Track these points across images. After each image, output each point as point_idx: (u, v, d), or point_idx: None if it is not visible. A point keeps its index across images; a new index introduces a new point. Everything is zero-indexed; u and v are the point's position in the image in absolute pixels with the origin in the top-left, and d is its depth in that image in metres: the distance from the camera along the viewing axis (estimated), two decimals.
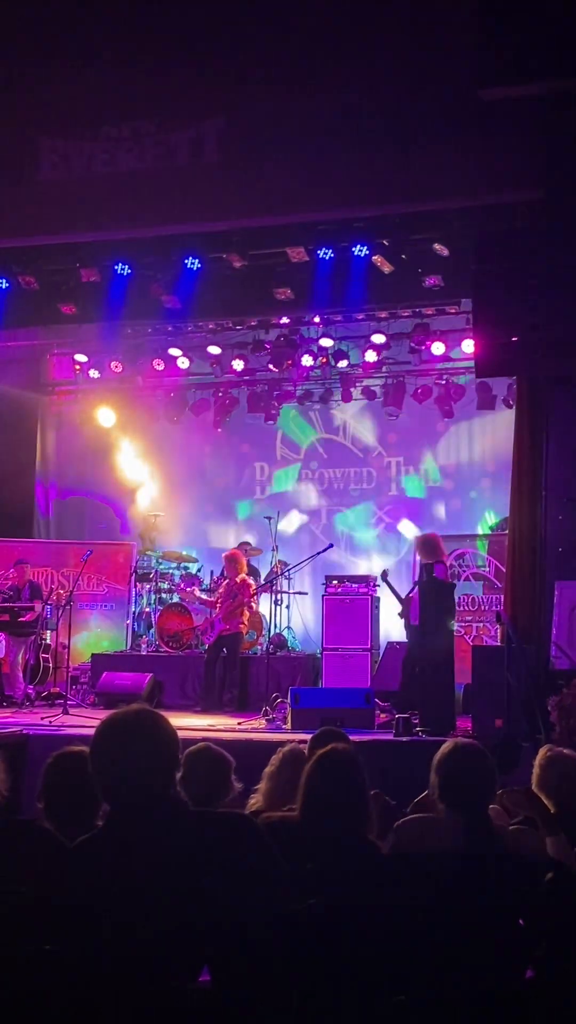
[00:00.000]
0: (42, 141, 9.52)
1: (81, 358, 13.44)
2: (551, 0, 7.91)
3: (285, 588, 11.89)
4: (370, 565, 12.71)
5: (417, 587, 9.32)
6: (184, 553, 12.87)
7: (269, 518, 12.39)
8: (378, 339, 12.21)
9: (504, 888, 2.75)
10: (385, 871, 2.73)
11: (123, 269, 10.40)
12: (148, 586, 12.49)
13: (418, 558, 9.79)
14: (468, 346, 11.17)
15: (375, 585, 11.23)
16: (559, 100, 8.17)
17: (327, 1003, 2.28)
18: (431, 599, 8.92)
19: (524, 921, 2.69)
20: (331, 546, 11.66)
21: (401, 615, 9.52)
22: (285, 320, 12.61)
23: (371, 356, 12.39)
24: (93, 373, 13.53)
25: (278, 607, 11.65)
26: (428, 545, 9.36)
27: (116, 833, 2.41)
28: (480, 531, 12.58)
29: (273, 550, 12.18)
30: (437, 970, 2.46)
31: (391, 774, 5.57)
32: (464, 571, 11.95)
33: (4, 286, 10.69)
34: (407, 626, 9.45)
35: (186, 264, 10.29)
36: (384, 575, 10.36)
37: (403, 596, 9.56)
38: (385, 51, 8.72)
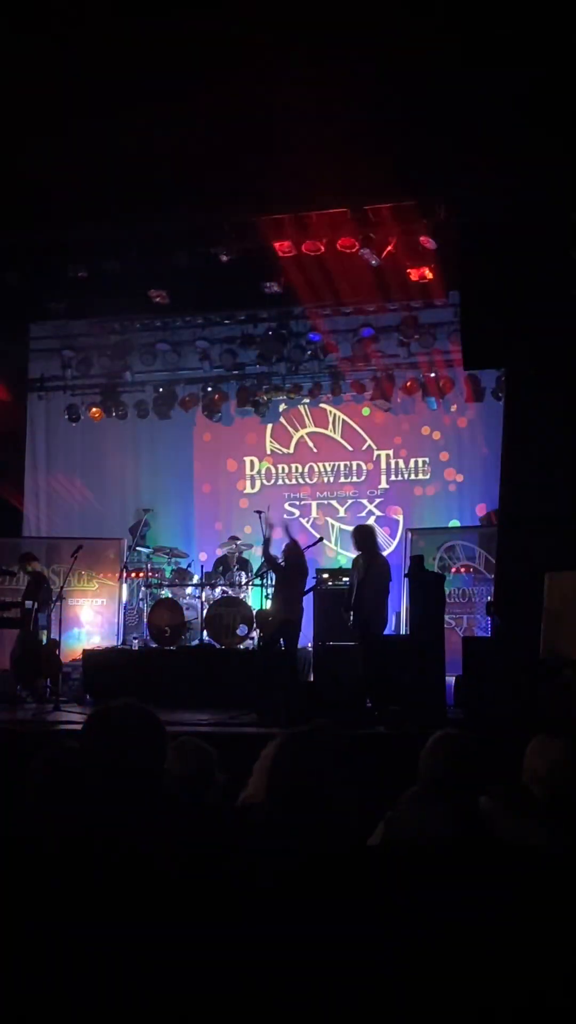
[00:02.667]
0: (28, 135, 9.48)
1: (69, 354, 13.44)
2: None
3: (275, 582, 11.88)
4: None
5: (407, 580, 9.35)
6: (174, 548, 12.86)
7: (259, 512, 12.39)
8: (367, 332, 12.24)
9: (494, 879, 2.76)
10: (369, 862, 2.74)
11: (112, 265, 10.39)
12: (139, 581, 12.49)
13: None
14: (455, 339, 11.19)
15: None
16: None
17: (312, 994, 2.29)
18: (380, 585, 9.10)
19: (515, 912, 2.70)
20: (321, 540, 11.67)
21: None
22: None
23: (359, 349, 12.41)
24: (81, 369, 13.51)
25: (269, 601, 11.64)
26: (362, 535, 9.46)
27: (106, 826, 2.42)
28: (470, 523, 12.62)
29: (264, 543, 12.17)
30: (423, 961, 2.47)
31: (382, 766, 5.58)
32: (454, 563, 11.98)
33: None
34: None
35: (174, 259, 10.28)
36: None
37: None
38: (376, 46, 8.71)
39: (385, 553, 12.98)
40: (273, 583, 11.41)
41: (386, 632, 10.78)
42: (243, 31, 8.24)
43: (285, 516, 13.51)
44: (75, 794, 2.66)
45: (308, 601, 10.67)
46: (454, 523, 12.87)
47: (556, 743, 3.93)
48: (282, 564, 9.95)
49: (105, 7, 7.60)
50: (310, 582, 10.37)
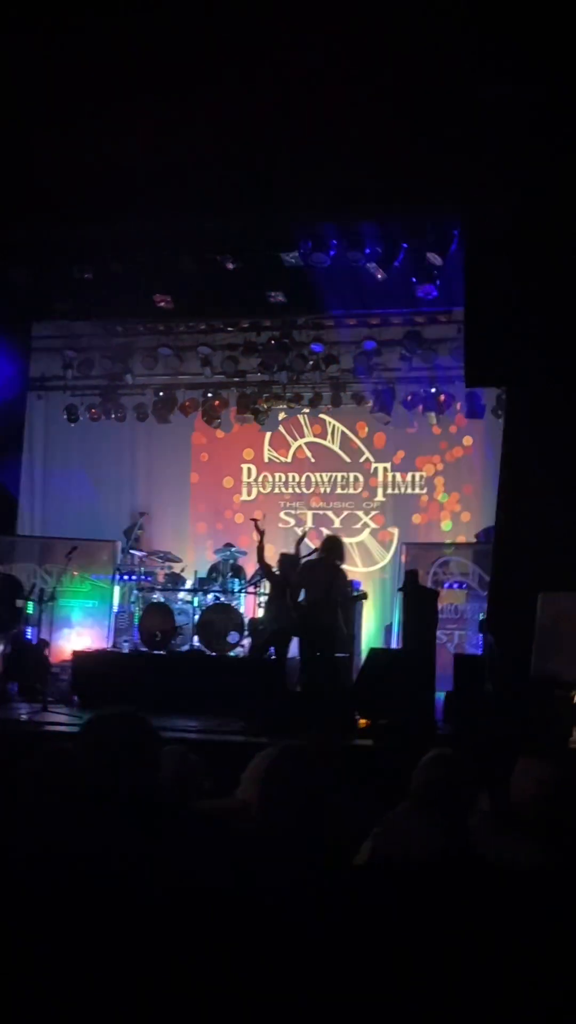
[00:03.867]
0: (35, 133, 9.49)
1: (71, 354, 13.44)
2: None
3: (269, 590, 11.87)
4: (355, 570, 12.72)
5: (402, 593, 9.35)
6: (168, 552, 12.84)
7: (255, 520, 12.38)
8: (369, 345, 12.26)
9: (480, 898, 2.75)
10: (355, 878, 2.73)
11: (117, 267, 10.41)
12: (131, 584, 12.47)
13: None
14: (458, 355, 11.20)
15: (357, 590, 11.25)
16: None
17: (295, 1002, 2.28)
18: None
19: (500, 932, 2.69)
20: (316, 551, 11.64)
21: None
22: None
23: (362, 361, 12.42)
24: (83, 370, 13.51)
25: (262, 609, 11.63)
26: (334, 545, 9.46)
27: (100, 831, 2.42)
28: (465, 539, 12.61)
29: (259, 552, 12.15)
30: (408, 978, 2.46)
31: (369, 780, 5.56)
32: (448, 579, 11.97)
33: None
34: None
35: (180, 264, 10.30)
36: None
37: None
38: (383, 58, 8.73)
39: (378, 567, 13.07)
40: (267, 591, 11.43)
41: (379, 646, 10.82)
42: (255, 36, 8.27)
43: (280, 525, 13.52)
44: (69, 798, 2.65)
45: None
46: (448, 539, 12.87)
47: (545, 764, 3.92)
48: (276, 573, 9.95)
49: (118, 7, 7.61)
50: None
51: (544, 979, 2.48)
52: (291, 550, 10.17)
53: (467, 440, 12.98)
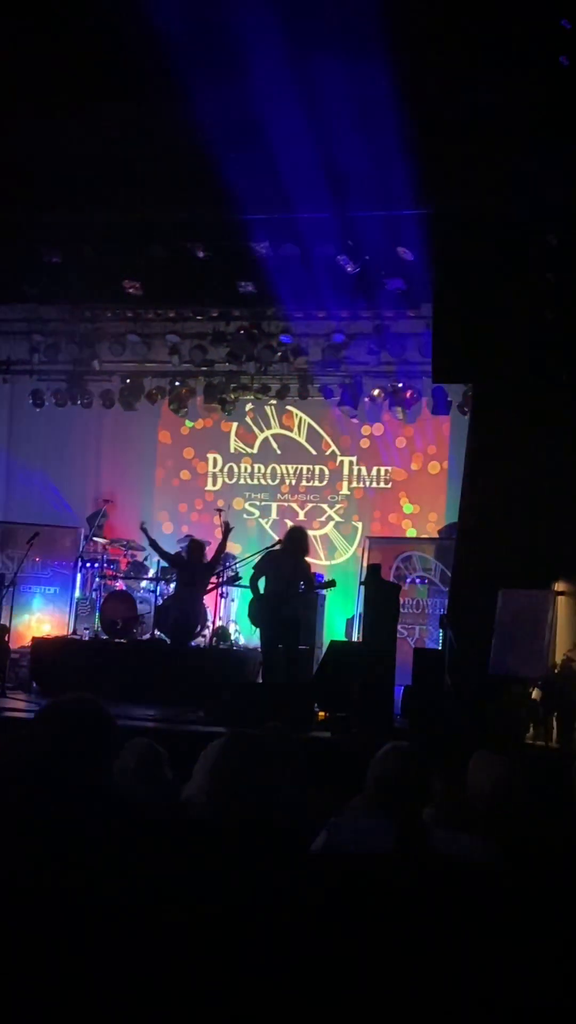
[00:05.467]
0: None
1: (38, 338, 13.35)
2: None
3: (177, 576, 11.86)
4: (319, 563, 12.75)
5: (364, 588, 9.38)
6: (131, 541, 12.79)
7: (220, 510, 12.36)
8: (338, 338, 12.26)
9: (432, 892, 2.77)
10: (309, 868, 2.75)
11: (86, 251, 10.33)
12: (93, 571, 12.43)
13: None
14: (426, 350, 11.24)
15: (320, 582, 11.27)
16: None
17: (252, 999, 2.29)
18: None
19: (450, 924, 2.71)
20: (279, 543, 11.65)
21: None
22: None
23: (330, 354, 12.43)
24: (49, 355, 13.41)
25: (224, 600, 11.62)
26: (299, 537, 9.49)
27: (48, 821, 2.41)
28: (428, 534, 12.67)
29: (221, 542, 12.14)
30: (359, 973, 2.47)
31: (326, 772, 5.58)
32: (410, 574, 12.02)
33: None
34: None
35: (150, 250, 10.24)
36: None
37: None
38: (362, 54, 8.72)
39: (342, 560, 13.10)
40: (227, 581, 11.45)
41: (340, 639, 10.84)
42: (230, 30, 8.24)
43: (245, 516, 13.52)
44: (23, 783, 2.64)
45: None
46: (412, 533, 12.93)
47: (499, 760, 3.96)
48: (184, 558, 10.17)
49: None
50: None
51: (491, 970, 2.51)
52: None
53: (433, 436, 13.03)
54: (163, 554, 11.06)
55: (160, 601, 11.50)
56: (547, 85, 7.77)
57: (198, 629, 10.87)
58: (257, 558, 9.65)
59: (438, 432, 12.96)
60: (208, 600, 11.44)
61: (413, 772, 3.31)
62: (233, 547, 12.07)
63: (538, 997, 2.63)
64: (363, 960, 2.37)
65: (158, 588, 11.70)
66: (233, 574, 11.58)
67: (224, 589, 11.60)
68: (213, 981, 2.16)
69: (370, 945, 2.41)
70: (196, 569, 10.64)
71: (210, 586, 10.91)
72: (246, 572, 11.92)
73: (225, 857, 2.42)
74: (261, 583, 9.30)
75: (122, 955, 2.12)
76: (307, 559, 9.76)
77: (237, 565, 11.66)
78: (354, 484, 13.44)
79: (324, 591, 11.16)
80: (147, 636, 11.38)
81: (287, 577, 9.20)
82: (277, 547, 9.75)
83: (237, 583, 11.54)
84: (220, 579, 11.49)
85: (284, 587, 9.19)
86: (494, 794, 3.78)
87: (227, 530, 10.64)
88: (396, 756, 3.34)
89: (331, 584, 10.11)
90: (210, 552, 10.97)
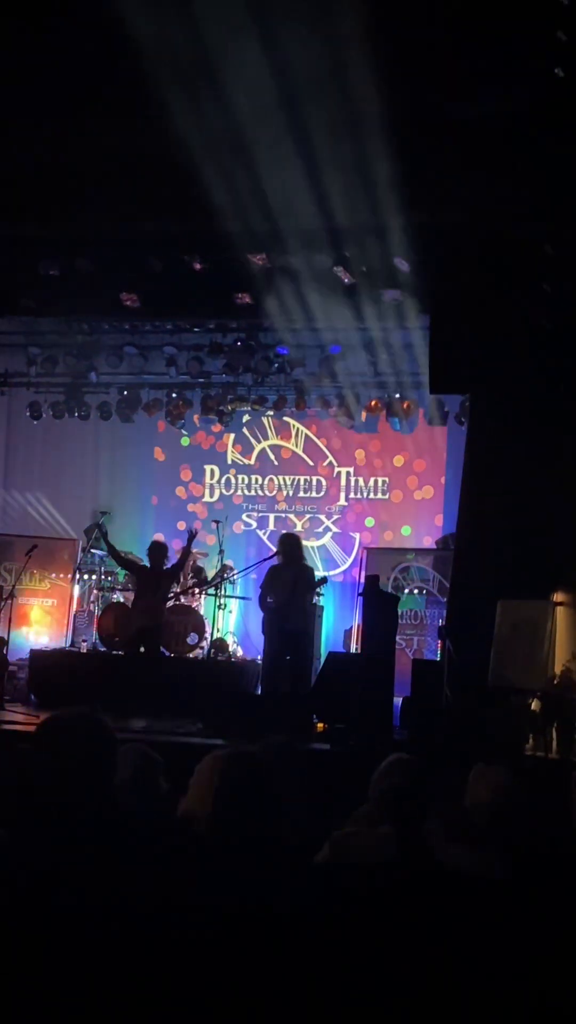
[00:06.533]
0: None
1: (35, 351, 13.36)
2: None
3: (230, 592, 11.86)
4: (316, 574, 12.73)
5: (362, 598, 9.36)
6: (129, 552, 12.77)
7: (217, 522, 12.35)
8: (334, 350, 12.28)
9: (434, 903, 2.77)
10: (312, 881, 2.74)
11: (83, 263, 10.35)
12: (91, 583, 12.42)
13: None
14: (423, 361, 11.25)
15: (318, 593, 11.27)
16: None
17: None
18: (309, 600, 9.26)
19: (454, 937, 2.71)
20: (276, 554, 11.64)
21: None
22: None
23: (327, 365, 12.45)
24: (47, 367, 13.42)
25: (222, 611, 11.61)
26: (293, 544, 9.47)
27: (50, 833, 2.40)
28: (426, 545, 12.67)
29: (219, 553, 12.15)
30: (362, 984, 2.46)
31: (326, 784, 5.57)
32: (408, 584, 12.02)
33: None
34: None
35: (147, 263, 10.26)
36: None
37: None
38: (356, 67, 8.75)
39: (339, 571, 13.09)
40: (225, 593, 11.43)
41: (337, 650, 10.82)
42: (224, 42, 8.26)
43: (243, 527, 13.52)
44: (23, 798, 2.63)
45: (260, 613, 10.67)
46: (409, 544, 12.92)
47: (499, 772, 3.94)
48: (146, 566, 10.30)
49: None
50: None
51: (492, 980, 2.50)
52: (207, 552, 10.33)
53: (430, 446, 13.03)
54: (118, 558, 10.86)
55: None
56: (544, 95, 7.78)
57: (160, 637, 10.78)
58: (263, 577, 9.65)
59: (435, 443, 12.97)
60: (207, 612, 11.43)
61: (416, 784, 3.31)
62: (198, 554, 12.07)
63: (538, 1007, 2.62)
64: (366, 971, 2.36)
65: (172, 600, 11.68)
66: (199, 580, 11.63)
67: (223, 601, 11.58)
68: (218, 994, 2.15)
69: (373, 956, 2.40)
70: (159, 574, 10.47)
71: (172, 593, 10.87)
72: (240, 584, 11.95)
73: (227, 871, 2.41)
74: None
75: (125, 971, 2.11)
76: (304, 563, 9.74)
77: (236, 576, 11.67)
78: (351, 495, 13.45)
79: (320, 589, 11.15)
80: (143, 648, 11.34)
81: (289, 588, 9.20)
82: (275, 560, 9.73)
83: (204, 589, 11.53)
84: (218, 590, 11.47)
85: (288, 598, 9.19)
86: (493, 806, 3.77)
87: (191, 536, 10.57)
88: (399, 768, 3.33)
89: (323, 582, 10.06)
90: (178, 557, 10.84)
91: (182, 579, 11.57)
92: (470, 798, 3.85)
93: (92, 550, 12.69)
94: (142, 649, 10.17)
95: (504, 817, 3.74)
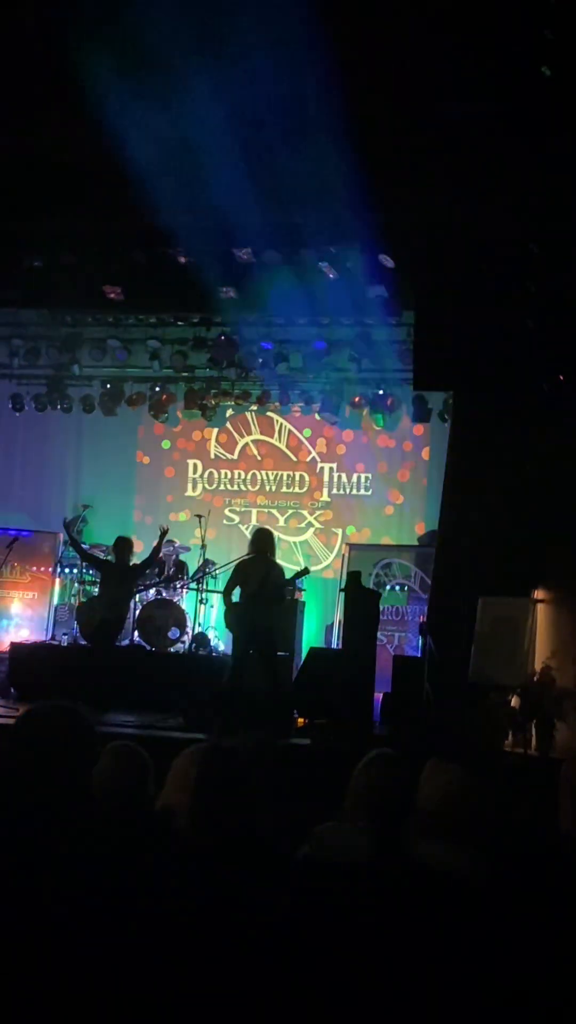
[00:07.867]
0: None
1: (18, 342, 13.29)
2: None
3: (211, 587, 11.84)
4: (298, 569, 12.73)
5: (344, 594, 9.37)
6: (111, 546, 12.74)
7: (200, 516, 12.33)
8: (319, 345, 12.27)
9: (411, 901, 2.77)
10: (291, 879, 2.73)
11: (68, 257, 10.31)
12: (72, 577, 12.38)
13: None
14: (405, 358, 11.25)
15: (300, 589, 11.28)
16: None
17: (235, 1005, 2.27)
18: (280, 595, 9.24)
19: (431, 935, 2.71)
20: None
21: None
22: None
23: (311, 361, 12.44)
24: (30, 359, 13.36)
25: (203, 606, 11.60)
26: (266, 538, 9.40)
27: (27, 828, 2.39)
28: (408, 541, 12.68)
29: (202, 548, 12.13)
30: (341, 981, 2.47)
31: (306, 780, 5.57)
32: (390, 580, 12.03)
33: None
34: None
35: (131, 256, 10.23)
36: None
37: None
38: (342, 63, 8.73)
39: (321, 567, 13.09)
40: (207, 587, 11.42)
41: (318, 646, 10.81)
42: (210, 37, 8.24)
43: (225, 522, 13.50)
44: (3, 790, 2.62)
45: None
46: (391, 540, 12.93)
47: (451, 768, 3.85)
48: (110, 560, 10.32)
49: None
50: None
51: (470, 978, 2.50)
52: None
53: (413, 443, 13.05)
54: (83, 554, 10.90)
55: (140, 608, 11.44)
56: (530, 94, 7.79)
57: (123, 632, 10.77)
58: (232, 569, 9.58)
59: (418, 440, 12.98)
60: (188, 606, 11.42)
61: (399, 781, 3.29)
62: (180, 548, 12.10)
63: (518, 1004, 2.63)
64: (344, 969, 2.36)
65: (137, 594, 11.65)
66: (172, 575, 11.64)
67: (204, 595, 11.57)
68: (197, 992, 2.14)
69: (351, 954, 2.41)
70: (123, 569, 10.41)
71: (141, 587, 10.88)
72: (222, 578, 11.91)
73: (205, 868, 2.40)
74: (236, 592, 9.17)
75: (102, 968, 2.10)
76: (278, 560, 9.66)
77: (217, 571, 11.64)
78: (334, 491, 13.45)
79: (301, 585, 11.11)
80: (127, 642, 11.33)
81: (259, 582, 9.06)
82: (247, 556, 9.57)
83: (172, 584, 11.54)
84: (200, 585, 11.46)
85: (256, 592, 9.04)
86: (445, 803, 3.70)
87: (163, 533, 10.54)
88: (381, 764, 3.32)
89: (304, 572, 9.98)
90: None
91: (163, 574, 11.57)
92: (421, 796, 3.77)
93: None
94: (100, 641, 10.16)
95: (456, 814, 3.66)
